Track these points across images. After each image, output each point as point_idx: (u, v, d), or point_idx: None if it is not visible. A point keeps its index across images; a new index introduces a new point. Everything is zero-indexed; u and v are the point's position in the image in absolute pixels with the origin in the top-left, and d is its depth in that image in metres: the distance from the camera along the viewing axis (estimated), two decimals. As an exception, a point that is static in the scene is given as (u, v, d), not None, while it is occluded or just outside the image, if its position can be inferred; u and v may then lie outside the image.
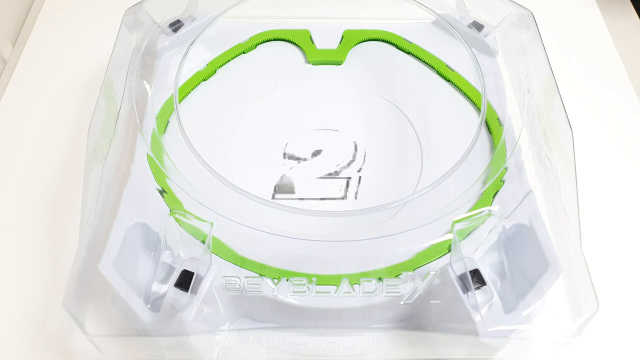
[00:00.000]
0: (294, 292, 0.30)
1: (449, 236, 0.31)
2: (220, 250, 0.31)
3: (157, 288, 0.30)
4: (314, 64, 0.42)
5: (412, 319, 0.31)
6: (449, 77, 0.41)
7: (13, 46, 0.49)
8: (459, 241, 0.31)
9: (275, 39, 0.43)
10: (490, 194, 0.34)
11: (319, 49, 0.43)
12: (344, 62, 0.42)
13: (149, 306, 0.29)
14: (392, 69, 0.42)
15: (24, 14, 0.52)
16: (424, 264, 0.31)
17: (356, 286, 0.30)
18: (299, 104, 0.40)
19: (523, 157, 0.35)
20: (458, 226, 0.32)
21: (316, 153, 0.38)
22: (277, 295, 0.30)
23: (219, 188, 0.32)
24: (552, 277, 0.30)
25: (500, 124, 0.37)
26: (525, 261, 0.31)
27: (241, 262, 0.31)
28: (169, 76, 0.39)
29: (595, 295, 0.29)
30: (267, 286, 0.30)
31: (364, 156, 0.38)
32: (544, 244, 0.31)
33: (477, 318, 0.29)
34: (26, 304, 0.35)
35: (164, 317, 0.29)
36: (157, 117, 0.37)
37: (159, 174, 0.34)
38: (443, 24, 0.42)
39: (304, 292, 0.30)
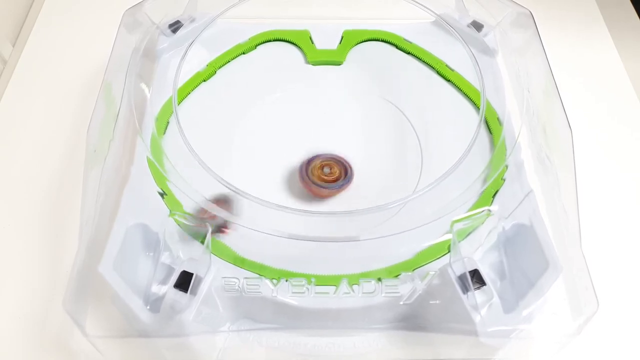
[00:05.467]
0: (293, 292, 0.30)
1: (449, 236, 0.32)
2: (220, 251, 0.31)
3: (157, 289, 0.30)
4: (314, 64, 0.42)
5: (412, 319, 0.31)
6: (449, 76, 0.41)
7: (13, 46, 0.49)
8: (459, 241, 0.31)
9: (275, 40, 0.43)
10: (490, 193, 0.34)
11: (318, 49, 0.43)
12: (344, 63, 0.42)
13: (148, 307, 0.29)
14: (392, 69, 0.42)
15: (24, 14, 0.52)
16: (424, 264, 0.31)
17: (355, 287, 0.30)
18: (298, 105, 0.40)
19: (523, 156, 0.35)
20: (457, 226, 0.32)
21: (316, 153, 0.38)
22: (276, 296, 0.30)
23: (219, 189, 0.32)
24: (552, 276, 0.30)
25: (500, 123, 0.37)
26: (525, 261, 0.31)
27: (240, 262, 0.31)
28: (168, 77, 0.39)
29: (595, 295, 0.30)
30: (267, 287, 0.30)
31: (364, 156, 0.38)
32: (544, 244, 0.31)
33: (477, 318, 0.29)
34: (26, 304, 0.35)
35: (163, 318, 0.29)
36: (157, 119, 0.37)
37: (158, 176, 0.34)
38: (442, 23, 0.42)
39: (303, 292, 0.30)
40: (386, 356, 0.32)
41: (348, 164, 0.36)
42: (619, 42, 0.51)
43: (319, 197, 0.36)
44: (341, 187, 0.35)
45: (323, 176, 0.35)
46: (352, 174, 0.36)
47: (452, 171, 0.33)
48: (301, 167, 0.36)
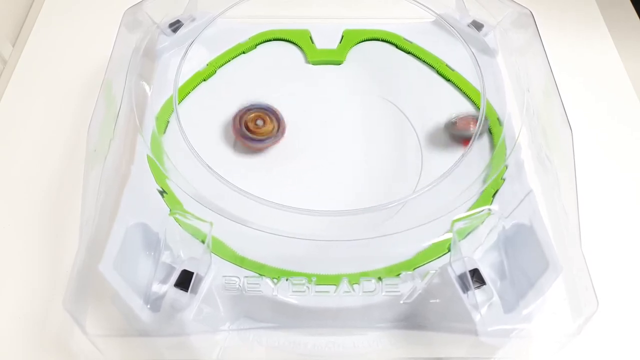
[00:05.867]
0: (293, 291, 0.30)
1: (449, 235, 0.32)
2: (220, 250, 0.31)
3: (157, 288, 0.30)
4: (314, 64, 0.42)
5: (412, 319, 0.31)
6: (449, 76, 0.41)
7: (13, 46, 0.49)
8: (459, 240, 0.31)
9: (275, 39, 0.43)
10: (489, 193, 0.34)
11: (319, 49, 0.43)
12: (344, 62, 0.42)
13: (149, 306, 0.29)
14: (392, 69, 0.42)
15: (24, 14, 0.52)
16: (424, 263, 0.31)
17: (356, 286, 0.30)
18: (298, 104, 0.40)
19: (523, 156, 0.35)
20: (458, 225, 0.32)
21: (316, 153, 0.38)
22: (276, 295, 0.30)
23: (219, 188, 0.32)
24: (552, 276, 0.30)
25: (500, 123, 0.37)
26: (525, 260, 0.31)
27: (241, 261, 0.31)
28: (168, 76, 0.39)
29: (595, 295, 0.30)
30: (267, 286, 0.30)
31: (364, 156, 0.38)
32: (544, 244, 0.31)
33: (477, 317, 0.29)
34: (26, 304, 0.35)
35: (164, 317, 0.29)
36: (157, 118, 0.37)
37: (158, 174, 0.34)
38: (443, 23, 0.42)
39: (304, 291, 0.30)
40: (386, 355, 0.32)
41: (279, 115, 0.37)
42: (619, 42, 0.51)
43: (253, 150, 0.37)
44: (275, 141, 0.37)
45: (256, 129, 0.36)
46: (284, 127, 0.37)
47: (452, 171, 0.33)
48: (234, 118, 0.37)
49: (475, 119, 0.36)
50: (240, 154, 0.37)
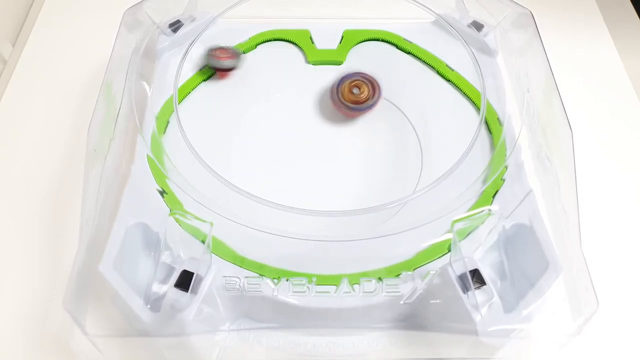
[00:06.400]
0: (294, 292, 0.30)
1: (449, 236, 0.32)
2: (220, 250, 0.31)
3: (157, 288, 0.30)
4: (314, 64, 0.42)
5: (412, 319, 0.31)
6: (449, 76, 0.41)
7: (13, 46, 0.49)
8: (459, 241, 0.31)
9: (275, 39, 0.43)
10: (490, 194, 0.34)
11: (319, 49, 0.43)
12: (344, 62, 0.42)
13: (149, 306, 0.29)
14: (392, 69, 0.42)
15: (24, 14, 0.52)
16: (424, 263, 0.31)
17: (356, 286, 0.30)
18: (298, 104, 0.40)
19: (523, 157, 0.35)
20: (458, 226, 0.32)
21: (316, 153, 0.38)
22: (277, 295, 0.30)
23: (219, 188, 0.32)
24: (552, 276, 0.30)
25: (500, 124, 0.37)
26: (525, 261, 0.31)
27: (241, 262, 0.31)
28: (168, 76, 0.39)
29: (595, 295, 0.30)
30: (267, 286, 0.30)
31: (364, 156, 0.38)
32: (544, 244, 0.31)
33: (477, 318, 0.29)
34: (26, 304, 0.35)
35: (164, 317, 0.29)
36: (157, 118, 0.37)
37: (158, 174, 0.34)
38: (443, 23, 0.42)
39: (304, 292, 0.30)
40: (386, 355, 0.32)
41: (376, 82, 0.38)
42: (619, 42, 0.51)
43: (350, 117, 0.39)
44: (371, 107, 0.38)
45: (353, 97, 0.38)
46: (380, 92, 0.38)
47: (452, 171, 0.33)
48: (332, 88, 0.39)
49: (228, 51, 0.40)
50: (239, 155, 0.37)
